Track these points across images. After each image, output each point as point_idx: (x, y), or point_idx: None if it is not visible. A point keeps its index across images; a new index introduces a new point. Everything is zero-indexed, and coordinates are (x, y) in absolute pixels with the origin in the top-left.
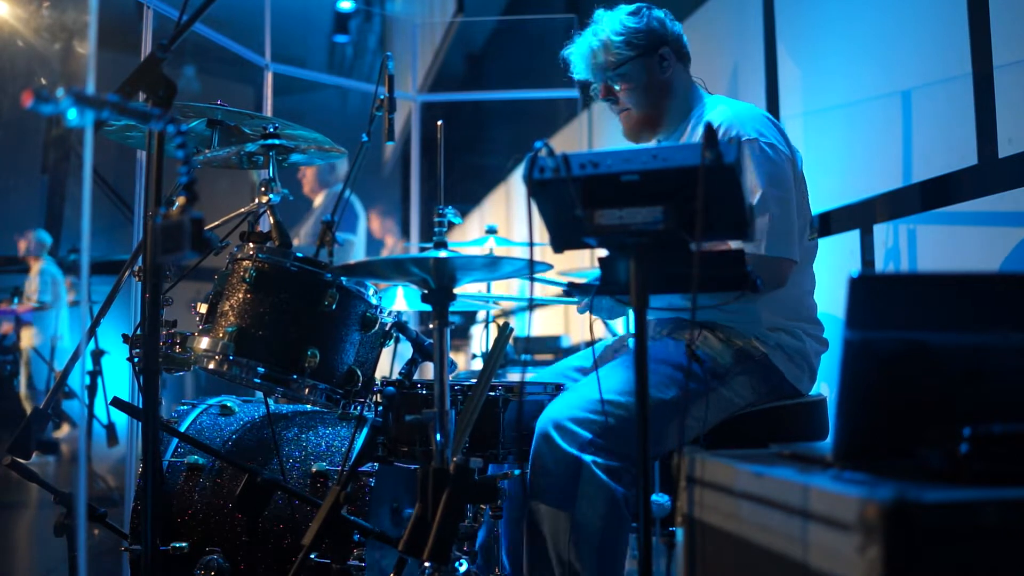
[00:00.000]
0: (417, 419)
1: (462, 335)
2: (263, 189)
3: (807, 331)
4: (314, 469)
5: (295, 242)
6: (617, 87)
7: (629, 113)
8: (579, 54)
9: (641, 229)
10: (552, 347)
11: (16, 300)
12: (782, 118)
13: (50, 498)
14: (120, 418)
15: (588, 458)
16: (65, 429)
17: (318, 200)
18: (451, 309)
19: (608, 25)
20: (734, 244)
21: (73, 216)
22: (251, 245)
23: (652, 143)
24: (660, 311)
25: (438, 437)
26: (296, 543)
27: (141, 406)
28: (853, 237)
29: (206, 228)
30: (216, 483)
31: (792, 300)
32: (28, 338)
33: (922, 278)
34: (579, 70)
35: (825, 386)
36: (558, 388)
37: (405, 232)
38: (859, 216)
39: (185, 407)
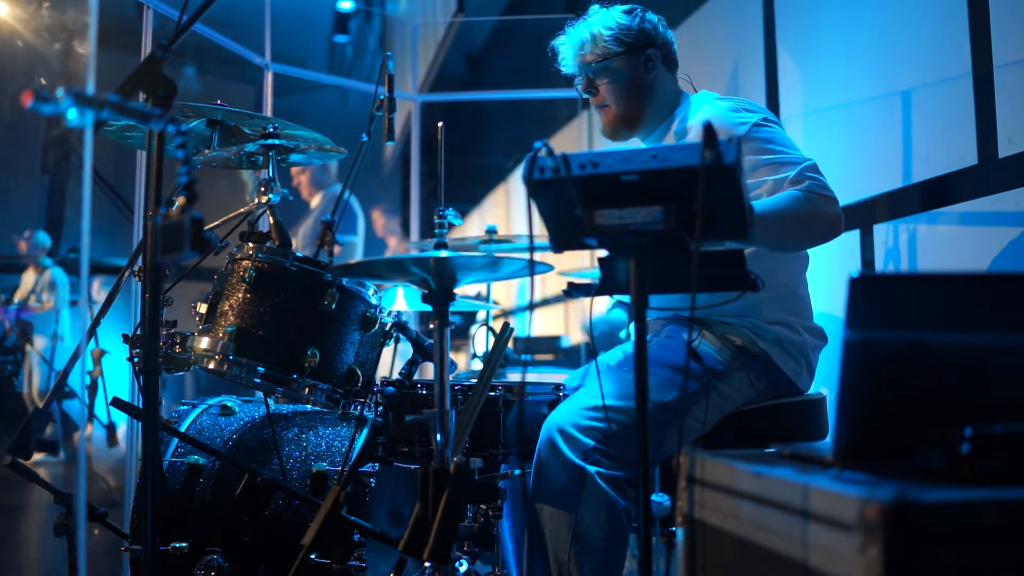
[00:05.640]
0: (417, 419)
1: (462, 335)
2: (263, 189)
3: (804, 326)
4: (314, 469)
5: (293, 243)
6: (600, 82)
7: (608, 109)
8: (569, 44)
9: (641, 229)
10: (552, 347)
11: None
12: (782, 118)
13: (50, 498)
14: (120, 418)
15: (592, 468)
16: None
17: (315, 201)
18: (451, 309)
19: (600, 20)
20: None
21: (73, 216)
22: (251, 245)
23: (632, 142)
24: (657, 311)
25: (438, 437)
26: (296, 543)
27: (141, 406)
28: (853, 237)
29: (206, 228)
30: (216, 483)
31: (789, 294)
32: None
33: (922, 278)
34: (566, 62)
35: (824, 387)
36: (557, 387)
37: (405, 232)
38: (859, 216)
39: (185, 407)
